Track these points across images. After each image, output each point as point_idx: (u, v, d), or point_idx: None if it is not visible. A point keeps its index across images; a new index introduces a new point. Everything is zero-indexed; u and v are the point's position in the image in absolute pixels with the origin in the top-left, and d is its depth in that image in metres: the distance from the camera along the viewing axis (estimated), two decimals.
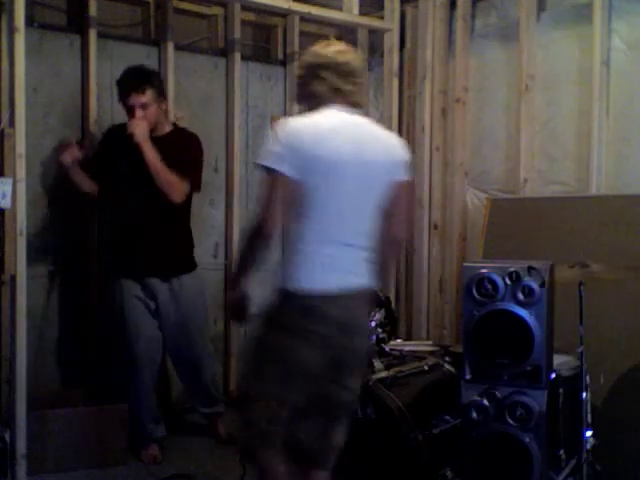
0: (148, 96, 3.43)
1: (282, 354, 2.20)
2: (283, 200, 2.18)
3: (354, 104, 2.36)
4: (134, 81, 3.44)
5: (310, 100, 2.38)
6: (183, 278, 3.62)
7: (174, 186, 3.42)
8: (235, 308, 2.40)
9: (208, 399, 3.88)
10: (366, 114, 2.47)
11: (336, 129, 2.27)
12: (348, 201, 2.25)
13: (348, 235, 2.26)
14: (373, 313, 2.98)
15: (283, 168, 2.17)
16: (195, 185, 3.55)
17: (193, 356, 3.75)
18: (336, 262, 2.24)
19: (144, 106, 3.42)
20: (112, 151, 3.56)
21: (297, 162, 2.17)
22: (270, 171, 2.18)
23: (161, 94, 3.55)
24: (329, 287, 2.20)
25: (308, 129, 2.24)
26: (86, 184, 3.57)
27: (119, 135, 3.49)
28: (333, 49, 2.43)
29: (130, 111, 3.44)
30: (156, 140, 3.43)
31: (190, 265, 3.70)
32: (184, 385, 3.94)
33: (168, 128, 3.61)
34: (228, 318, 2.87)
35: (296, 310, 2.20)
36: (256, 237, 2.20)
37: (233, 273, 2.69)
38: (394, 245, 2.46)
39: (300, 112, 2.40)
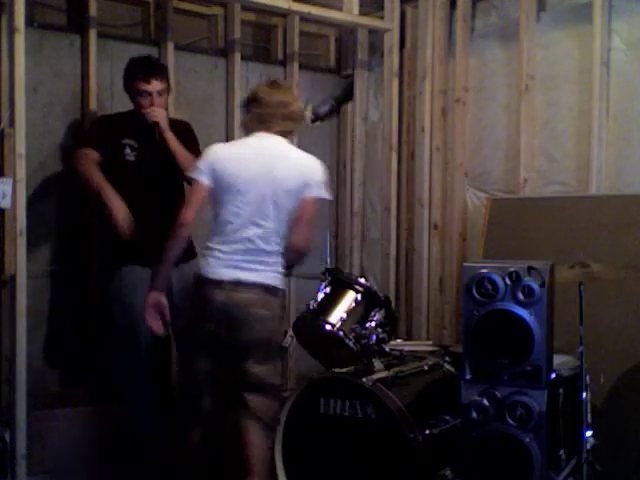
0: (164, 85, 3.45)
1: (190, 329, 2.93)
2: (199, 202, 2.89)
3: (279, 132, 2.91)
4: (155, 68, 3.44)
5: (244, 128, 3.02)
6: (184, 266, 3.49)
7: None
8: (154, 308, 2.93)
9: None
10: (292, 142, 3.06)
11: (248, 151, 2.88)
12: (250, 210, 2.81)
13: (244, 238, 2.81)
14: (373, 313, 2.98)
15: (201, 178, 2.85)
16: None
17: None
18: (228, 258, 2.81)
19: (161, 94, 3.42)
20: (118, 139, 3.46)
21: (212, 175, 2.83)
22: (193, 180, 2.90)
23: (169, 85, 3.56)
24: (218, 277, 2.79)
25: (224, 150, 2.92)
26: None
27: (123, 123, 3.47)
28: (264, 87, 2.98)
29: (141, 96, 3.38)
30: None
31: (194, 252, 3.62)
32: None
33: None
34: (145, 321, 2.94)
35: (197, 292, 2.89)
36: (174, 229, 2.90)
37: (155, 272, 3.04)
38: (292, 252, 2.89)
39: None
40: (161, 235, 3.30)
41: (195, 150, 3.52)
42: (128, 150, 3.45)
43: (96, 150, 3.39)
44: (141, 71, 3.40)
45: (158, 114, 3.37)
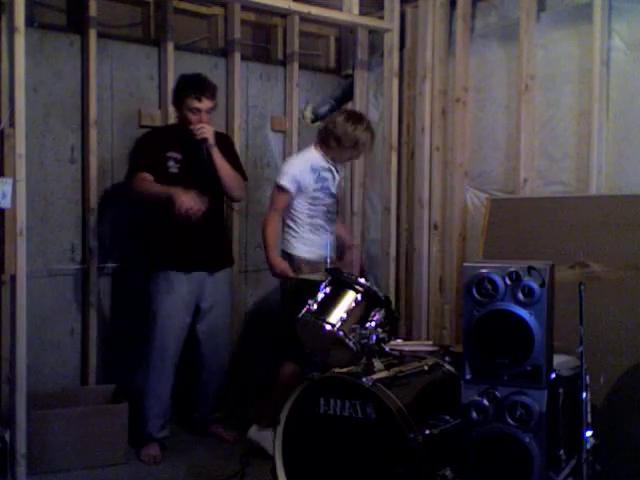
0: (214, 103, 3.65)
1: None
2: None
3: None
4: (207, 87, 3.61)
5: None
6: (219, 274, 3.77)
7: (240, 186, 3.77)
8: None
9: (215, 402, 3.92)
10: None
11: None
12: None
13: None
14: (373, 313, 2.99)
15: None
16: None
17: (221, 356, 3.89)
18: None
19: (209, 111, 3.61)
20: (161, 152, 3.62)
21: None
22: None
23: None
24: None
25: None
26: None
27: (167, 137, 3.67)
28: None
29: (191, 112, 3.56)
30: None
31: (231, 259, 3.93)
32: (200, 386, 3.90)
33: None
34: None
35: None
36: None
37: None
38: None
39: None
40: (199, 244, 3.61)
41: (236, 162, 3.80)
42: (172, 163, 3.62)
43: (148, 170, 3.58)
44: (194, 89, 3.56)
45: (207, 131, 3.56)
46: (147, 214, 3.72)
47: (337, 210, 3.99)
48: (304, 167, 3.69)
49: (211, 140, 3.57)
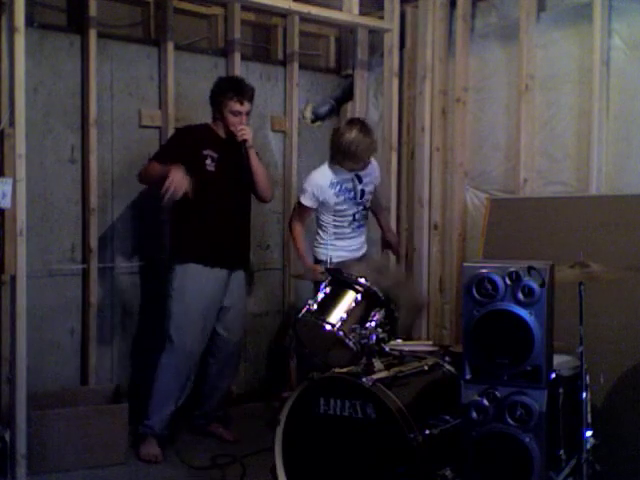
0: (252, 106, 3.76)
1: None
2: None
3: None
4: (248, 91, 3.72)
5: None
6: (238, 273, 3.82)
7: (271, 188, 3.88)
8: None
9: (221, 401, 3.94)
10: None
11: None
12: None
13: None
14: (373, 313, 2.99)
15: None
16: None
17: (234, 354, 3.91)
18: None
19: (248, 114, 3.72)
20: (198, 150, 3.66)
21: None
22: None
23: None
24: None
25: None
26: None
27: (202, 135, 3.70)
28: None
29: (233, 115, 3.63)
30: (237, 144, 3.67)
31: (249, 261, 3.98)
32: (210, 382, 3.88)
33: None
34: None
35: None
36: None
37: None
38: None
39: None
40: (229, 239, 3.69)
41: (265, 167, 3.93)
42: (209, 161, 3.66)
43: (165, 163, 3.57)
44: (236, 92, 3.66)
45: (246, 133, 3.64)
46: (173, 208, 3.71)
47: (376, 205, 4.08)
48: (323, 183, 3.77)
49: (251, 142, 3.67)
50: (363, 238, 3.96)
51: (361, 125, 3.74)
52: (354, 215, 3.85)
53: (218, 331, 3.78)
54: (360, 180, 3.83)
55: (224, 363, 3.85)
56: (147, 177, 3.67)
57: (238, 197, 3.76)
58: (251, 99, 3.72)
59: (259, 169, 3.73)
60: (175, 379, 3.63)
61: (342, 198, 3.79)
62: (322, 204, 3.78)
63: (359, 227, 3.90)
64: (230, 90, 3.67)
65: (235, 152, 3.66)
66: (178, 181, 3.44)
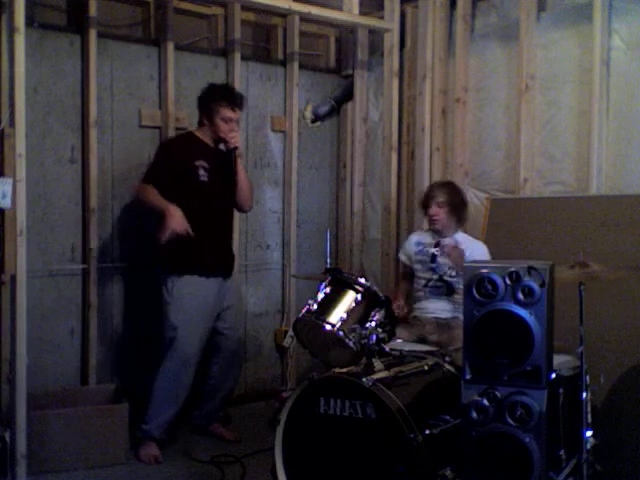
0: (241, 113, 3.78)
1: None
2: None
3: None
4: (240, 99, 3.75)
5: None
6: (231, 279, 3.85)
7: (251, 199, 3.91)
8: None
9: (224, 402, 3.93)
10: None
11: None
12: None
13: None
14: (373, 313, 2.99)
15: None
16: None
17: (236, 353, 3.92)
18: None
19: (238, 122, 3.75)
20: (190, 161, 3.63)
21: None
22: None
23: None
24: None
25: None
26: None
27: (191, 145, 3.67)
28: None
29: (224, 122, 3.62)
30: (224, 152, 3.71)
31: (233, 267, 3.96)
32: (211, 383, 3.88)
33: None
34: None
35: None
36: None
37: None
38: None
39: None
40: (222, 248, 3.75)
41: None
42: (202, 171, 3.65)
43: (158, 182, 3.58)
44: (228, 100, 3.65)
45: (237, 140, 3.67)
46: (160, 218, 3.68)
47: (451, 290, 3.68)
48: (411, 238, 3.86)
49: (240, 149, 3.70)
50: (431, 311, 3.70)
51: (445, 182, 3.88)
52: (427, 282, 3.67)
53: (219, 330, 3.77)
54: (439, 254, 3.62)
55: (227, 362, 3.84)
56: (142, 203, 3.64)
57: (227, 205, 3.79)
58: (242, 106, 3.75)
59: (244, 178, 3.75)
60: (174, 386, 3.62)
61: (418, 258, 3.74)
62: (408, 259, 3.82)
63: (433, 299, 3.67)
64: (223, 97, 3.65)
65: (223, 160, 3.67)
66: (177, 224, 3.44)
